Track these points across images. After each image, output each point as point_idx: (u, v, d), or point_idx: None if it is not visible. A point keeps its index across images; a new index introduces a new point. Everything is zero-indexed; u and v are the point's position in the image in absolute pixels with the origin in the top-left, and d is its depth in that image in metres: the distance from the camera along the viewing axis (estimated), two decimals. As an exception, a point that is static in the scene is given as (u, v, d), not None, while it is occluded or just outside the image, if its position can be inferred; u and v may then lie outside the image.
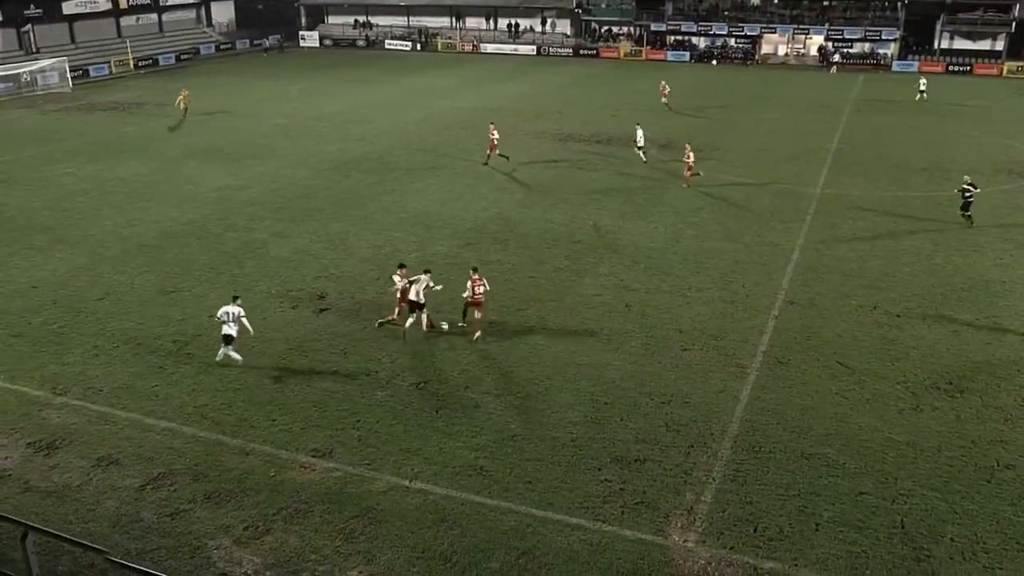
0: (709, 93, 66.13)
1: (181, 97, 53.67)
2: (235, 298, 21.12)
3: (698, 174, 37.35)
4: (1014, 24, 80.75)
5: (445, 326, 22.88)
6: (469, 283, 22.04)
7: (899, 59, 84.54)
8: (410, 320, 22.37)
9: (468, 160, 42.11)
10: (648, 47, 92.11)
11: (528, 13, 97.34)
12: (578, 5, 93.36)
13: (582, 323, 23.44)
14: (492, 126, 41.46)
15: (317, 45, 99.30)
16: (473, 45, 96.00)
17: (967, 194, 32.01)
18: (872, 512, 15.65)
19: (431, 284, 22.26)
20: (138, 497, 16.03)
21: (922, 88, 62.84)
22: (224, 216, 33.24)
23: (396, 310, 23.00)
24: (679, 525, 15.28)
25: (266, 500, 15.91)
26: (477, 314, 22.46)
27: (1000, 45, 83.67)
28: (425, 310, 22.32)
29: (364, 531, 15.05)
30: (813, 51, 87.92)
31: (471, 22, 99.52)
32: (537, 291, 25.75)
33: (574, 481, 16.51)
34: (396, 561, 14.35)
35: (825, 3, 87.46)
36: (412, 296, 22.03)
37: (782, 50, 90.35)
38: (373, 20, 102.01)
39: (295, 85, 67.52)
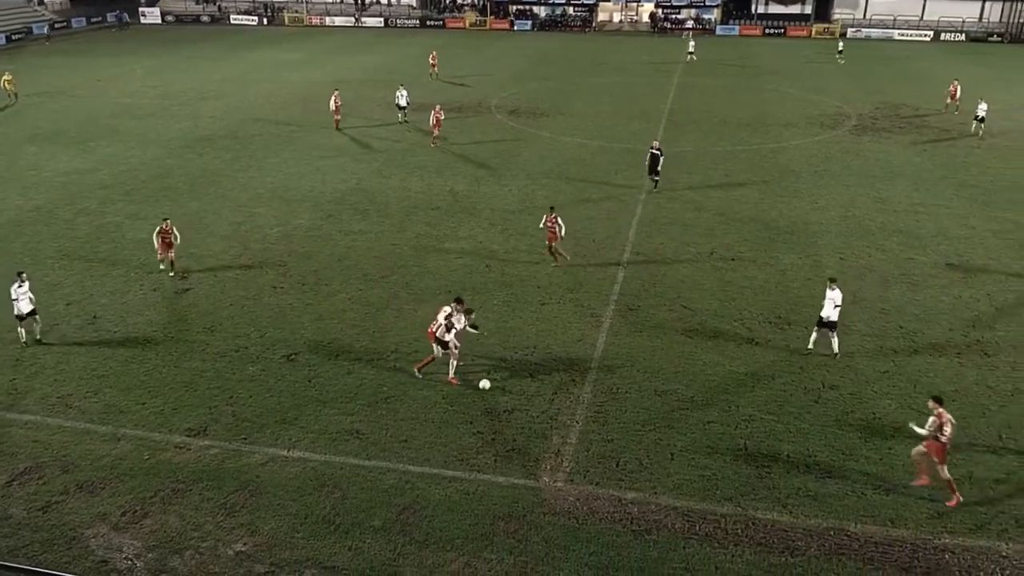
0: (551, 60, 66.77)
1: (3, 80, 49.13)
2: (19, 274, 20.26)
3: (444, 138, 38.70)
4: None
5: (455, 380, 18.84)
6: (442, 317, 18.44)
7: (722, 24, 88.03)
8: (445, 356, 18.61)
9: (323, 132, 40.97)
10: (492, 17, 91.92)
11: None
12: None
13: (446, 286, 23.45)
14: (335, 93, 41.20)
15: (159, 21, 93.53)
16: (320, 18, 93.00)
17: (654, 155, 31.04)
18: (719, 438, 16.58)
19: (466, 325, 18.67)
20: (4, 494, 14.98)
21: (690, 49, 66.61)
22: (73, 201, 31.06)
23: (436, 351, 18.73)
24: (548, 467, 15.70)
25: (142, 484, 15.23)
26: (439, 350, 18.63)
27: (808, 9, 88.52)
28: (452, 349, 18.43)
29: (245, 504, 14.68)
30: (645, 18, 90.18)
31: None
32: (400, 257, 25.54)
33: (448, 436, 16.64)
34: (280, 529, 14.09)
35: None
36: (449, 335, 18.15)
37: (617, 17, 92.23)
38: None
39: (138, 63, 63.43)
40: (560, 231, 24.40)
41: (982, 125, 40.50)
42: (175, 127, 42.58)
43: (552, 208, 24.58)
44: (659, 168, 31.38)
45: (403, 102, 43.47)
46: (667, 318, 21.61)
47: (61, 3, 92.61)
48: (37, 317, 20.28)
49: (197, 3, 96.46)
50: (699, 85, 55.62)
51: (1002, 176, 34.25)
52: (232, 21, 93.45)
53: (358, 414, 17.39)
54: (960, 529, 14.08)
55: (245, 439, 16.55)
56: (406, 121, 43.35)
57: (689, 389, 18.32)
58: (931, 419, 14.51)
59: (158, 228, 24.13)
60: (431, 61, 57.59)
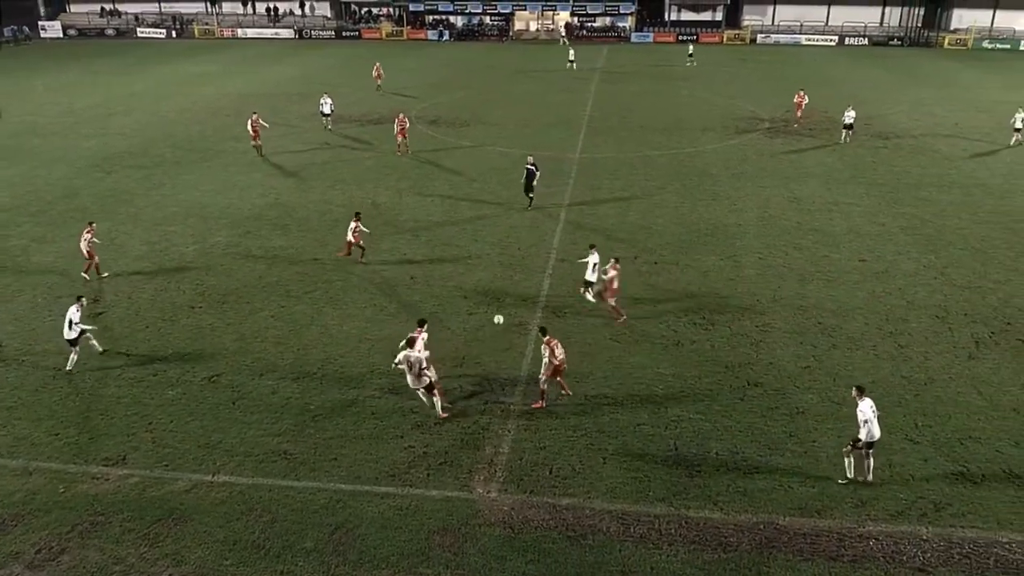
0: (470, 70, 66.99)
1: None
2: (79, 298, 19.88)
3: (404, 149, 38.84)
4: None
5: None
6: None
7: (636, 31, 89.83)
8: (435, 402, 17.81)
9: (239, 148, 40.15)
10: (408, 27, 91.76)
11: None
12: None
13: (371, 299, 23.23)
14: (255, 116, 39.23)
15: (60, 35, 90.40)
16: (232, 30, 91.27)
17: (530, 172, 30.49)
18: (650, 440, 16.82)
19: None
20: (-95, 538, 14.16)
21: (571, 58, 68.32)
22: (-27, 225, 29.67)
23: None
24: (482, 478, 15.66)
25: (58, 519, 14.59)
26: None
27: (720, 15, 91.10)
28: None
29: (170, 533, 14.21)
30: (561, 27, 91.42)
31: (228, 7, 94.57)
32: (323, 272, 25.17)
33: (378, 451, 16.44)
34: (207, 558, 13.68)
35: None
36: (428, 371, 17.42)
37: (534, 26, 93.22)
38: (121, 7, 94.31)
39: (39, 79, 61.09)
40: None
41: (850, 132, 41.06)
42: (82, 145, 41.13)
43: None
44: (534, 184, 30.62)
45: (327, 109, 43.84)
46: (594, 323, 21.84)
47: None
48: None
49: (101, 16, 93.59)
50: (617, 92, 56.57)
51: (908, 174, 35.80)
52: (139, 34, 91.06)
53: (285, 434, 17.04)
54: (882, 516, 14.60)
55: (167, 466, 16.03)
56: (330, 129, 43.38)
57: (618, 393, 18.54)
58: (543, 347, 17.42)
59: (84, 236, 24.31)
60: (375, 73, 56.72)
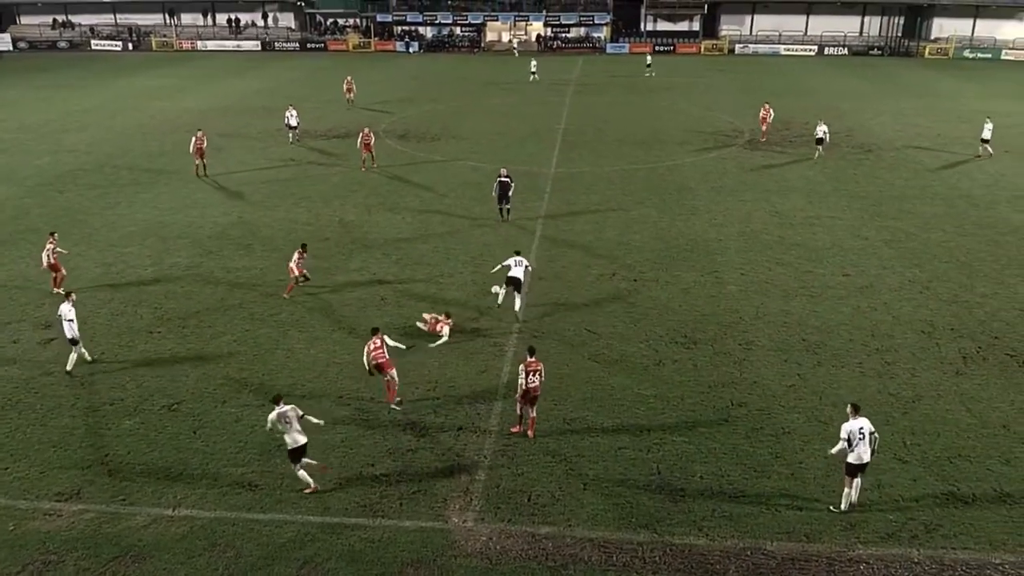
0: (440, 82, 67.23)
1: None
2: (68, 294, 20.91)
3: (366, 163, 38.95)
4: (706, 6, 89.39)
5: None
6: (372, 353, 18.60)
7: (612, 42, 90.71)
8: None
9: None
10: (376, 38, 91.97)
11: (249, 7, 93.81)
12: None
13: (338, 321, 23.10)
14: (200, 133, 38.62)
15: (10, 48, 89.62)
16: (192, 42, 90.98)
17: (503, 183, 30.83)
18: (631, 464, 16.81)
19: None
20: None
21: (532, 70, 68.77)
22: (-84, 247, 29.17)
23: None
24: (457, 507, 15.56)
25: (7, 558, 14.27)
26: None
27: (697, 26, 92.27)
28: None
29: (127, 571, 13.94)
30: (516, 41, 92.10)
31: (187, 18, 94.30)
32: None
33: (349, 481, 16.28)
34: (167, 597, 13.44)
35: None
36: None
37: (506, 37, 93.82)
38: (75, 19, 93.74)
39: (-12, 94, 60.49)
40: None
41: (821, 147, 40.80)
42: (32, 163, 40.66)
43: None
44: (510, 195, 30.90)
45: (293, 122, 44.15)
46: (572, 343, 21.86)
47: None
48: None
49: (53, 28, 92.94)
50: (592, 104, 57.00)
51: (890, 186, 36.34)
52: (94, 47, 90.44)
53: (250, 464, 16.83)
54: (872, 539, 14.67)
55: (124, 500, 15.76)
56: (297, 141, 43.55)
57: (598, 415, 18.53)
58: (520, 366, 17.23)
59: (47, 247, 24.50)
60: (346, 87, 56.05)
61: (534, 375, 17.17)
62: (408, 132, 47.27)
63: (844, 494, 15.29)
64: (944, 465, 16.73)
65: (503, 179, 30.88)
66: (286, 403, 15.80)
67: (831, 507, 15.41)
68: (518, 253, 23.58)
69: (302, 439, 15.66)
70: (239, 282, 25.90)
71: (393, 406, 18.70)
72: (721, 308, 24.05)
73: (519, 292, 23.03)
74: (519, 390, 17.34)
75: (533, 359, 17.33)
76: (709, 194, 35.21)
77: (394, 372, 18.51)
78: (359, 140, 39.06)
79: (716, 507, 15.54)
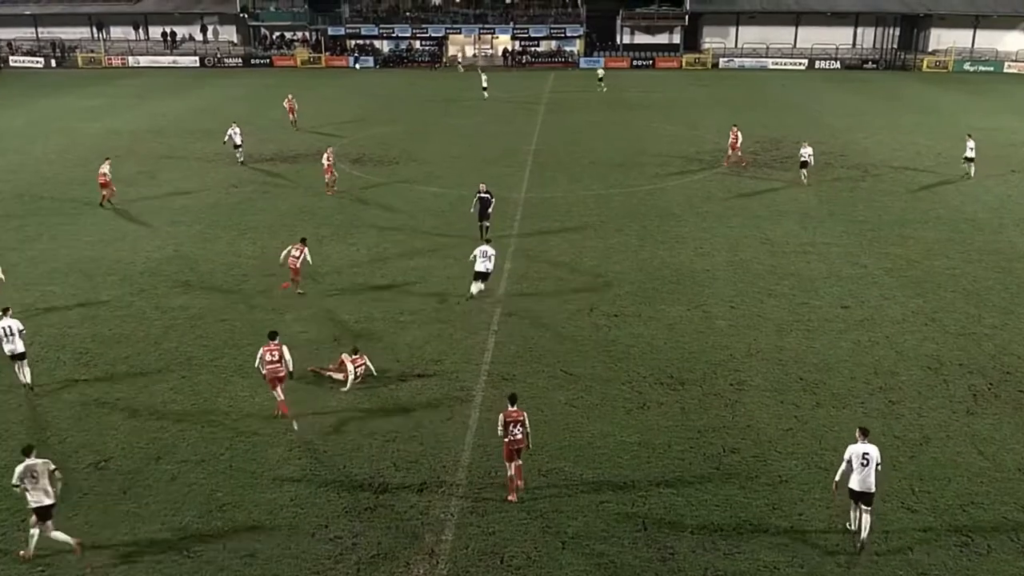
0: (398, 100, 67.58)
1: None
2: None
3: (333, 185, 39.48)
4: (687, 17, 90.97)
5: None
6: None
7: (585, 56, 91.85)
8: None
9: (132, 192, 39.62)
10: (327, 53, 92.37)
11: (185, 20, 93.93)
12: (243, 9, 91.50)
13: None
14: (107, 161, 38.58)
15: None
16: (123, 58, 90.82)
17: (483, 200, 31.96)
18: (615, 519, 16.73)
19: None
20: None
21: (484, 85, 69.06)
22: None
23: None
24: (422, 571, 15.35)
25: (-93, 641, 13.86)
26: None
27: (677, 38, 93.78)
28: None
29: (46, 653, 13.58)
30: (500, 51, 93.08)
31: (116, 32, 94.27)
32: (232, 335, 24.75)
33: (299, 545, 16.02)
34: None
35: (508, 1, 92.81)
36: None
37: (470, 51, 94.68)
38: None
39: None
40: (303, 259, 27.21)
41: (804, 171, 40.76)
42: (-58, 193, 40.16)
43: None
44: (490, 212, 32.21)
45: (238, 140, 44.77)
46: (547, 386, 21.82)
47: None
48: None
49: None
50: (566, 122, 57.58)
51: (889, 209, 36.94)
52: (12, 64, 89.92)
53: (187, 528, 16.51)
54: (880, 598, 14.68)
55: (43, 571, 15.38)
56: (243, 162, 43.76)
57: (577, 466, 18.45)
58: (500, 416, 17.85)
59: None
60: (287, 106, 55.83)
61: (515, 426, 16.86)
62: (363, 155, 47.38)
63: (852, 517, 15.84)
64: (956, 513, 16.83)
65: (483, 195, 31.68)
66: (38, 456, 15.54)
67: (848, 524, 15.97)
68: (488, 242, 26.73)
69: (47, 500, 15.27)
70: (175, 323, 25.62)
71: (294, 425, 19.79)
72: (710, 345, 24.17)
73: (484, 282, 26.46)
74: (504, 447, 17.03)
75: (514, 408, 17.04)
76: (694, 220, 35.55)
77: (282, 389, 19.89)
78: (324, 161, 39.25)
79: (708, 565, 15.47)
